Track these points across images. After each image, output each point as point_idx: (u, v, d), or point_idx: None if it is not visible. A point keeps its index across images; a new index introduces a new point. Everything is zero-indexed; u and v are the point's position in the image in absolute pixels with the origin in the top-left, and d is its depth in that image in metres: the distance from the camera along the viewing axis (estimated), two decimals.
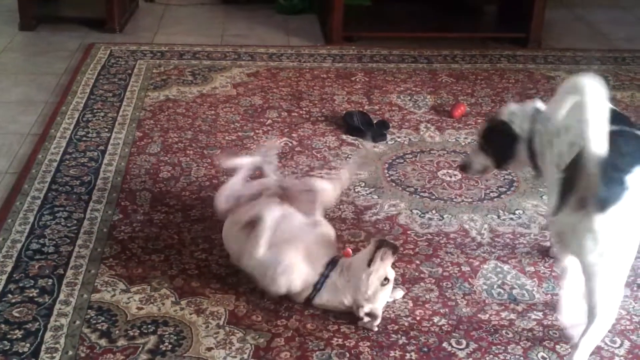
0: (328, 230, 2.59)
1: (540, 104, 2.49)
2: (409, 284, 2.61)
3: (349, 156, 3.44)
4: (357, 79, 4.30)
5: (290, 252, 2.42)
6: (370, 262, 2.36)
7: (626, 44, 5.01)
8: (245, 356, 2.28)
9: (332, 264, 2.45)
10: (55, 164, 3.29)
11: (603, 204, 1.97)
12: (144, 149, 3.45)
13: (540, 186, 3.24)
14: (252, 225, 2.48)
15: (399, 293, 2.54)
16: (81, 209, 2.97)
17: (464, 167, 2.74)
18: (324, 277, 2.43)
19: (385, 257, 2.37)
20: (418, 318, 2.45)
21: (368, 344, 2.34)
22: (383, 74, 4.39)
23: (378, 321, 2.39)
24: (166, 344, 2.31)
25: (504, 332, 2.42)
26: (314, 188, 2.62)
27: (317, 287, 2.43)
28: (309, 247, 2.45)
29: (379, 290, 2.37)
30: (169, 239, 2.81)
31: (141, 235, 2.83)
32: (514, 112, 2.51)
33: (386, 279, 2.38)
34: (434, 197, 3.17)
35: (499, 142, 2.53)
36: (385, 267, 2.38)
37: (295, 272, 2.42)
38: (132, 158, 3.36)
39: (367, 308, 2.37)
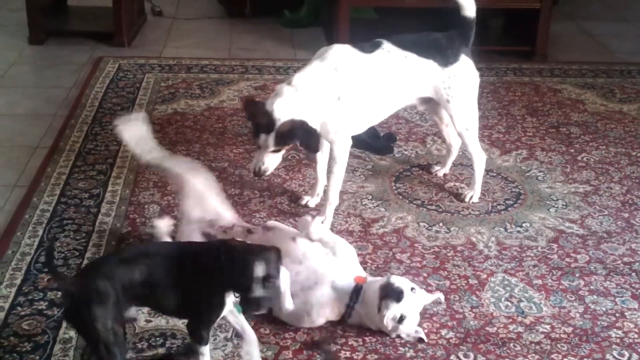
0: (344, 252, 2.55)
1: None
2: None
3: (356, 169, 3.45)
4: None
5: (314, 295, 2.42)
6: (379, 309, 2.37)
7: (631, 57, 5.01)
8: None
9: (355, 293, 2.44)
10: (64, 177, 3.31)
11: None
12: None
13: (547, 199, 3.24)
14: None
15: (431, 297, 2.52)
16: (90, 222, 2.99)
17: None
18: (350, 308, 2.44)
19: (390, 305, 2.35)
20: (426, 331, 2.44)
21: (376, 357, 2.35)
22: None
23: (421, 334, 2.41)
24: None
25: (511, 345, 2.42)
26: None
27: (346, 317, 2.45)
28: (330, 282, 2.45)
29: (398, 327, 2.39)
30: None
31: None
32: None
33: (402, 317, 2.37)
34: (441, 210, 3.18)
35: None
36: (396, 309, 2.36)
37: (325, 310, 2.43)
38: (140, 171, 3.37)
39: (394, 334, 2.41)
